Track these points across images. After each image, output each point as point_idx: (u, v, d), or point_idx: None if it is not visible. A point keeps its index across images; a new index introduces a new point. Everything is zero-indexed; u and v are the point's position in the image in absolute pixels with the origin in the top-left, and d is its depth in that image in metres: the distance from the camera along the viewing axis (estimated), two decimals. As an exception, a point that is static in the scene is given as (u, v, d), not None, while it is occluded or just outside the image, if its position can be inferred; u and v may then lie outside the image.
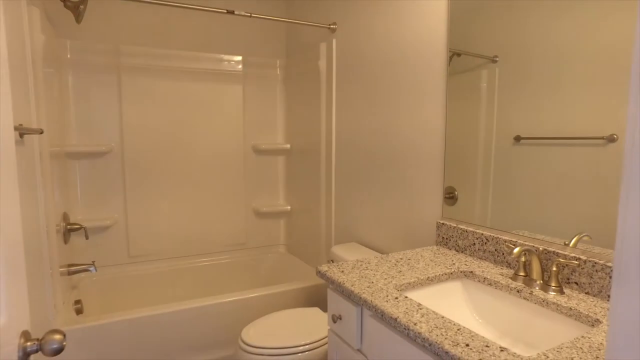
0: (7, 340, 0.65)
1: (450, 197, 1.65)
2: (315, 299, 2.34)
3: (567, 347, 0.85)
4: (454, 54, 1.60)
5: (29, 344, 0.72)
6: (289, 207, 2.95)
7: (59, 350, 0.74)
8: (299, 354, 1.64)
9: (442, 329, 0.93)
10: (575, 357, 0.81)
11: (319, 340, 1.68)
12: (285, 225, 3.06)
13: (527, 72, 1.33)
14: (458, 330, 0.92)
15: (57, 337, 0.74)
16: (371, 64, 2.04)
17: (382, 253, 2.00)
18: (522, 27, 1.33)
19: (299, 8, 2.77)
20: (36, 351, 0.72)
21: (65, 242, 2.13)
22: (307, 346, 1.65)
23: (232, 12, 2.13)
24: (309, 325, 1.79)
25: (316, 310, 1.93)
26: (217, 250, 2.84)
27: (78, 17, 2.13)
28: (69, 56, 2.36)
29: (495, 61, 1.45)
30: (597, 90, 1.14)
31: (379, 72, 1.99)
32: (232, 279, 2.86)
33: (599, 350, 0.84)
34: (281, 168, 3.02)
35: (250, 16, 2.17)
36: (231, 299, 2.11)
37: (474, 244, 1.49)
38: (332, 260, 2.06)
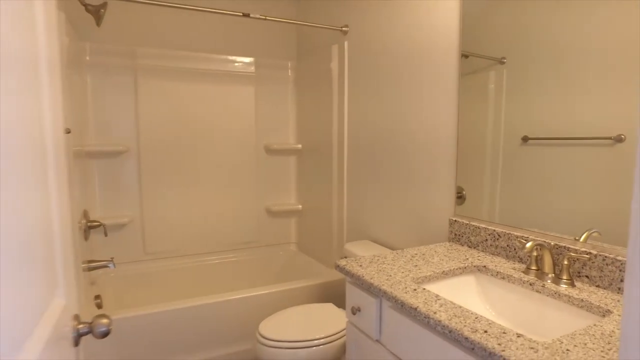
0: (65, 322, 0.71)
1: (458, 196, 1.70)
2: (328, 295, 2.40)
3: (580, 334, 0.90)
4: (461, 56, 1.65)
5: (80, 326, 0.78)
6: (300, 206, 3.01)
7: (106, 334, 0.79)
8: (314, 348, 1.70)
9: (460, 317, 0.98)
10: (588, 342, 0.86)
11: (334, 335, 1.74)
12: (296, 223, 3.12)
13: (535, 73, 1.37)
14: (476, 318, 0.97)
15: (105, 321, 0.79)
16: (383, 64, 2.09)
17: (394, 250, 2.05)
18: (529, 28, 1.37)
19: (310, 10, 2.83)
20: (87, 333, 0.78)
21: (86, 238, 2.19)
22: (322, 340, 1.70)
23: (248, 15, 2.19)
24: (324, 319, 1.84)
25: (330, 306, 1.98)
26: (230, 248, 2.90)
27: (98, 21, 2.20)
28: (88, 58, 2.43)
29: (503, 62, 1.49)
30: (604, 91, 1.18)
31: (391, 72, 2.04)
32: (245, 276, 2.91)
33: (611, 337, 0.89)
34: (292, 168, 3.08)
35: (265, 19, 2.22)
36: (247, 294, 2.17)
37: (486, 240, 1.53)
38: (345, 257, 2.11)
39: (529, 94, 1.40)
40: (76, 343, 0.77)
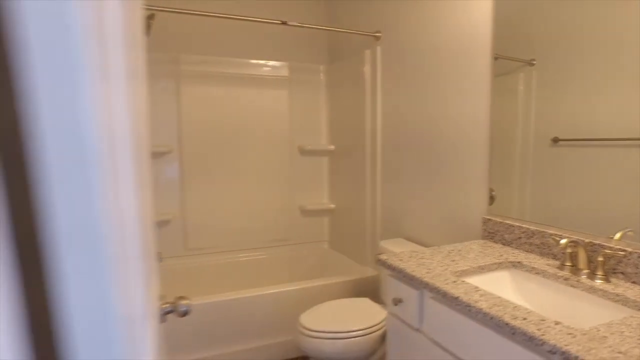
0: (154, 303, 0.82)
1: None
2: (362, 291, 2.48)
3: (616, 324, 0.96)
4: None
5: (165, 306, 0.89)
6: (333, 206, 3.11)
7: (186, 312, 0.90)
8: (352, 339, 1.78)
9: (500, 306, 1.05)
10: (625, 331, 0.92)
11: (371, 327, 1.82)
12: (329, 222, 3.22)
13: (565, 74, 1.39)
14: (515, 307, 1.04)
15: (186, 301, 0.91)
16: (416, 67, 2.16)
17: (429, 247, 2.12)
18: (559, 29, 1.40)
19: (341, 14, 2.92)
20: (170, 312, 0.89)
21: (135, 234, 2.34)
22: (360, 331, 1.79)
23: (285, 23, 2.30)
24: (361, 313, 1.93)
25: (366, 300, 2.07)
26: (265, 245, 3.03)
27: (148, 30, 2.35)
28: (135, 66, 2.59)
29: (532, 64, 1.53)
30: (637, 92, 1.22)
31: (424, 73, 2.10)
32: (279, 272, 3.03)
33: (646, 326, 0.94)
34: (325, 168, 3.18)
35: (302, 26, 2.33)
36: (287, 288, 2.28)
37: (520, 237, 1.59)
38: (381, 254, 2.19)
39: (560, 95, 1.42)
40: (162, 320, 0.88)
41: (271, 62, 2.96)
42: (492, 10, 1.67)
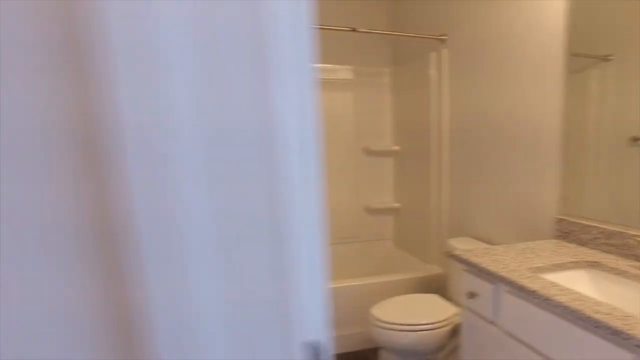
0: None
1: (560, 196, 1.74)
2: (428, 288, 2.54)
3: None
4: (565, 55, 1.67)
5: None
6: (398, 205, 3.18)
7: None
8: (424, 332, 1.86)
9: (580, 301, 1.09)
10: None
11: (441, 321, 1.88)
12: (393, 221, 3.29)
13: None
14: (596, 303, 1.07)
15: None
16: (484, 64, 2.15)
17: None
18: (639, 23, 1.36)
19: (406, 17, 2.97)
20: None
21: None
22: (431, 325, 1.86)
23: (355, 30, 2.42)
24: (431, 307, 2.00)
25: (435, 296, 2.13)
26: (332, 242, 3.15)
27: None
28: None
29: (608, 60, 1.51)
30: None
31: (493, 72, 2.09)
32: (346, 268, 3.15)
33: None
34: (390, 168, 3.26)
35: (369, 32, 2.43)
36: (359, 282, 2.41)
37: (597, 238, 1.57)
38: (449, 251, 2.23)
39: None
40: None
41: (337, 66, 3.08)
42: (566, 7, 1.65)
